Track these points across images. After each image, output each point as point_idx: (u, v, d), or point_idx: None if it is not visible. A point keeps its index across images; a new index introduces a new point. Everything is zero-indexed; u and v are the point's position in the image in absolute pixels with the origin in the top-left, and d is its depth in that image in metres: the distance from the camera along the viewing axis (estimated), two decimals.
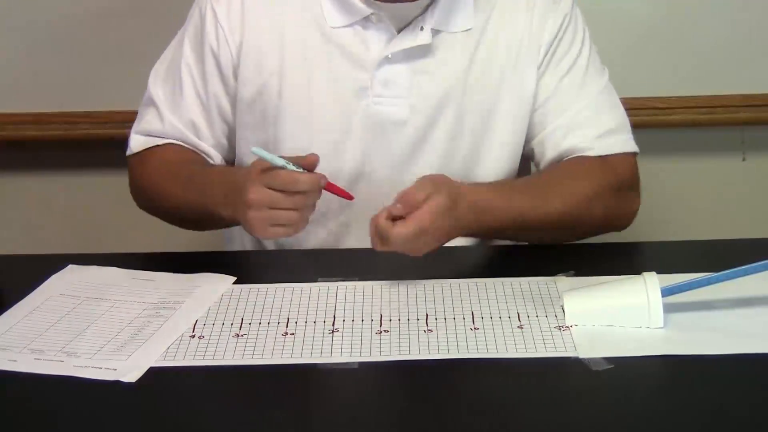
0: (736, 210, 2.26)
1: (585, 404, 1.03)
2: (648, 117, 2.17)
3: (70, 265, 1.34)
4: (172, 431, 1.01)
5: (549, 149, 1.46)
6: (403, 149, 1.45)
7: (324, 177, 1.27)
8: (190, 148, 1.49)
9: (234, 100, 1.47)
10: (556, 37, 1.45)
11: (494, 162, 1.47)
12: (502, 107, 1.45)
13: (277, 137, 1.45)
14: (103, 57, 2.15)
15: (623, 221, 1.46)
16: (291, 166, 1.25)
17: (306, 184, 1.25)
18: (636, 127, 2.18)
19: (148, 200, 1.50)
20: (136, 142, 1.50)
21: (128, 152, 1.51)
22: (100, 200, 2.27)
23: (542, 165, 1.48)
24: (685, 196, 2.26)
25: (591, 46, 1.49)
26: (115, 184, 2.25)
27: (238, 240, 1.56)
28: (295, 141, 1.44)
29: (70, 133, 2.19)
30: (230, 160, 1.54)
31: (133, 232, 2.26)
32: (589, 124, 1.45)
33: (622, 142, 1.46)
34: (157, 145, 1.49)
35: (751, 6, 2.12)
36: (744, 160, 2.25)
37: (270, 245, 1.50)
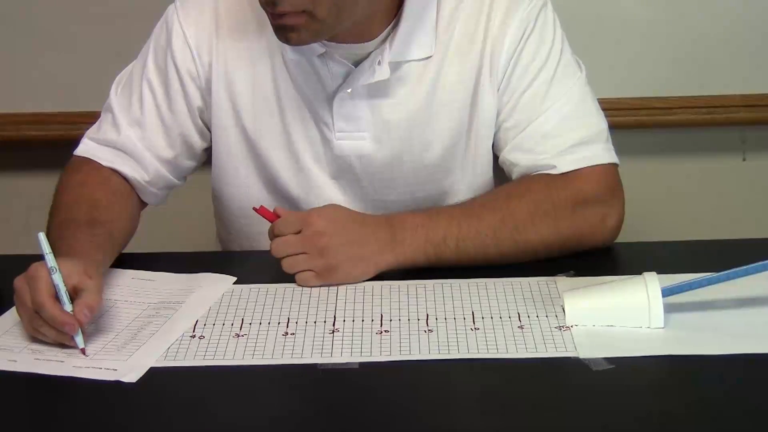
0: (736, 210, 2.26)
1: (585, 404, 1.03)
2: (648, 117, 2.17)
3: None
4: (172, 431, 1.01)
5: (514, 166, 1.40)
6: (372, 182, 1.43)
7: (73, 326, 1.13)
8: (127, 177, 1.43)
9: (199, 122, 1.44)
10: (514, 52, 1.38)
11: (467, 187, 1.44)
12: (469, 132, 1.42)
13: (246, 173, 1.44)
14: (103, 57, 2.14)
15: (596, 237, 1.37)
16: (57, 275, 1.14)
17: (49, 318, 1.13)
18: (636, 127, 2.20)
19: (50, 211, 1.42)
20: (85, 146, 1.46)
21: (75, 151, 1.47)
22: None
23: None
24: (685, 196, 2.26)
25: (562, 51, 1.41)
26: None
27: (234, 245, 1.56)
28: (265, 176, 1.44)
29: (70, 133, 2.17)
30: (180, 179, 1.49)
31: None
32: (553, 138, 1.38)
33: (590, 156, 1.38)
34: (100, 165, 1.44)
35: (751, 6, 2.12)
36: (744, 160, 2.25)
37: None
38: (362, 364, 1.10)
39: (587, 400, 1.04)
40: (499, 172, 1.46)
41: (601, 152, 1.39)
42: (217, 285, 1.29)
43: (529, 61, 1.39)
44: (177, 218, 1.97)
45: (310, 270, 1.27)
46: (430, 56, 1.39)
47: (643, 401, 1.03)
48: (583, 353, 1.10)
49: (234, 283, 1.29)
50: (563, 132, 1.38)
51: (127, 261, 1.35)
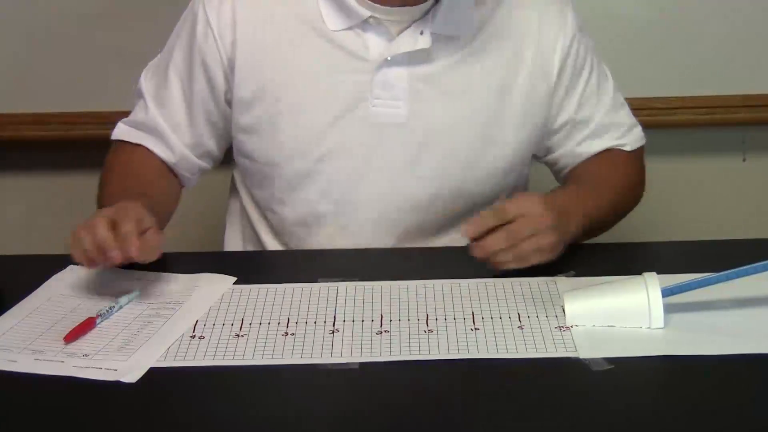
0: (736, 210, 2.26)
1: (585, 404, 1.03)
2: (648, 117, 2.16)
3: (70, 265, 1.34)
4: (172, 431, 1.01)
5: (584, 156, 1.53)
6: (402, 152, 1.44)
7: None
8: (159, 157, 1.50)
9: (223, 104, 1.47)
10: (568, 54, 1.47)
11: (493, 170, 1.47)
12: (504, 114, 1.45)
13: (276, 140, 1.45)
14: (103, 57, 2.15)
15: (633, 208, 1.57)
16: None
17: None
18: None
19: (99, 187, 1.51)
20: (118, 130, 1.53)
21: (112, 136, 1.54)
22: None
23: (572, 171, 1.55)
24: (685, 196, 2.26)
25: (593, 48, 1.53)
26: None
27: (238, 242, 1.56)
28: (295, 142, 1.44)
29: (70, 133, 2.19)
30: (216, 161, 1.55)
31: None
32: (613, 126, 1.53)
33: (639, 136, 1.56)
34: (135, 145, 1.50)
35: (751, 6, 2.12)
36: (744, 160, 2.25)
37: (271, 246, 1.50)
38: (362, 364, 1.10)
39: (587, 400, 1.04)
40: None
41: (642, 133, 1.58)
42: (217, 285, 1.29)
43: (583, 61, 1.50)
44: (177, 218, 1.97)
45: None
46: (472, 33, 1.43)
47: (643, 401, 1.03)
48: (583, 353, 1.10)
49: (234, 283, 1.29)
50: (617, 119, 1.54)
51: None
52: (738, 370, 1.07)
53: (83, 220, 1.22)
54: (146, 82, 1.52)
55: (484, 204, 1.46)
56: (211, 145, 1.52)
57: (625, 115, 1.56)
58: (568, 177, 1.55)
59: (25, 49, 2.17)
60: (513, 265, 1.27)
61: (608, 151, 1.54)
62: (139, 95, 1.52)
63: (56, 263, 1.34)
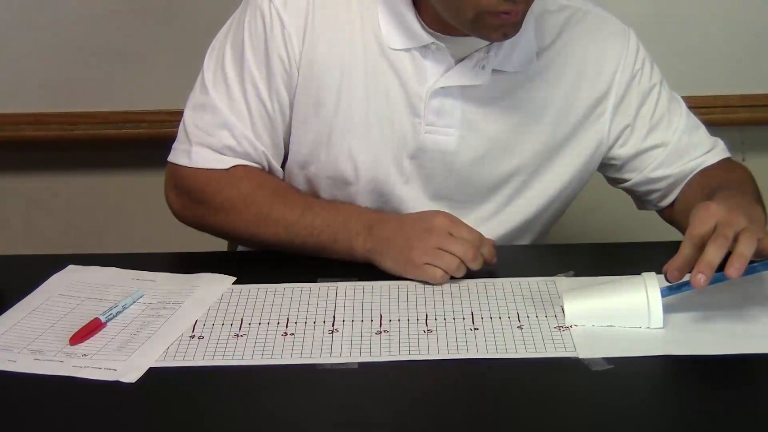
0: None
1: (585, 404, 1.03)
2: None
3: (70, 265, 1.34)
4: (171, 431, 1.01)
5: (662, 180, 1.47)
6: (448, 179, 1.43)
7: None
8: (269, 171, 1.44)
9: (291, 109, 1.42)
10: (629, 86, 1.44)
11: (536, 204, 1.46)
12: (556, 150, 1.44)
13: (327, 151, 1.42)
14: (103, 57, 2.15)
15: None
16: None
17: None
18: None
19: (227, 219, 1.40)
20: (204, 156, 1.40)
21: (190, 164, 1.41)
22: (100, 200, 2.27)
23: (662, 196, 1.48)
24: None
25: (660, 76, 1.49)
26: (115, 184, 2.26)
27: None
28: (346, 156, 1.41)
29: (70, 133, 2.19)
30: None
31: (133, 232, 2.26)
32: (692, 147, 1.47)
33: (722, 148, 1.49)
34: (243, 165, 1.41)
35: (750, 6, 2.12)
36: (743, 160, 2.25)
37: None
38: (361, 364, 1.10)
39: (586, 400, 1.04)
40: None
41: (724, 146, 1.50)
42: (216, 285, 1.29)
43: (646, 91, 1.46)
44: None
45: None
46: (530, 70, 1.41)
47: (642, 401, 1.03)
48: (583, 353, 1.10)
49: (233, 283, 1.30)
50: (698, 139, 1.48)
51: (127, 261, 1.35)
52: (737, 370, 1.07)
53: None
54: (217, 95, 1.40)
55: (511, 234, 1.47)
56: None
57: (704, 136, 1.49)
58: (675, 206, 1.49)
59: (25, 49, 2.17)
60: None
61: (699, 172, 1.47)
62: (210, 110, 1.41)
63: (56, 263, 1.34)
